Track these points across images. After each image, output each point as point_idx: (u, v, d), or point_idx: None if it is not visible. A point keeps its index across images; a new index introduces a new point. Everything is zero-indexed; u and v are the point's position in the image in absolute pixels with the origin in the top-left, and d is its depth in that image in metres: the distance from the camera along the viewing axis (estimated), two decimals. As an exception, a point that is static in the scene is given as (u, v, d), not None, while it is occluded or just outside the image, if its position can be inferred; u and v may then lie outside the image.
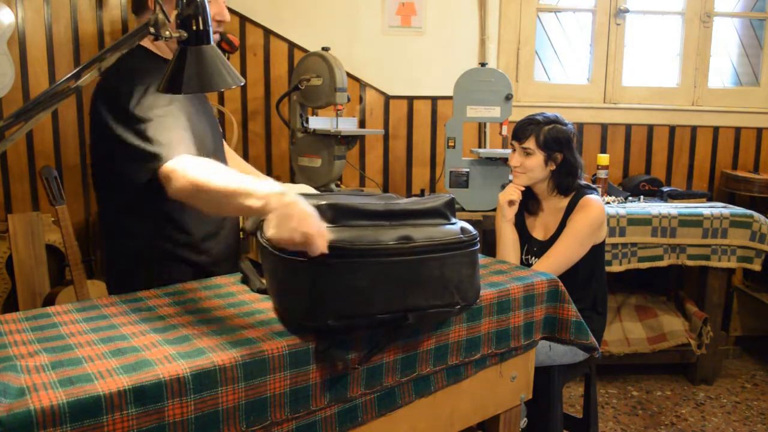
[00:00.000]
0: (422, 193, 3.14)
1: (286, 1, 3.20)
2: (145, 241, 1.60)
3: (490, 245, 2.30)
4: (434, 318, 1.22)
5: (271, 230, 1.10)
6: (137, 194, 1.51)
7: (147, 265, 1.63)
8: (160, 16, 1.15)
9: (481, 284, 1.29)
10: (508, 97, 2.78)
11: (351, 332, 1.15)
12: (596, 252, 2.09)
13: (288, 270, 1.13)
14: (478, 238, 1.27)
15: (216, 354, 1.02)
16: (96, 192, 1.69)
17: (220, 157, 1.76)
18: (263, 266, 1.32)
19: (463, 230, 1.25)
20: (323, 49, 2.81)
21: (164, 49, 1.68)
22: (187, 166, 1.33)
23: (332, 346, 1.12)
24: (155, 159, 1.40)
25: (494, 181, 2.82)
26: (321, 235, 1.07)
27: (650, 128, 3.50)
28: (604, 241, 2.12)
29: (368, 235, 1.12)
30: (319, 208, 1.12)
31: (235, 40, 2.85)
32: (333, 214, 1.13)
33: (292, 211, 1.09)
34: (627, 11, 3.42)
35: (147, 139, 1.43)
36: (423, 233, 1.17)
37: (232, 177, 1.24)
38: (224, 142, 1.96)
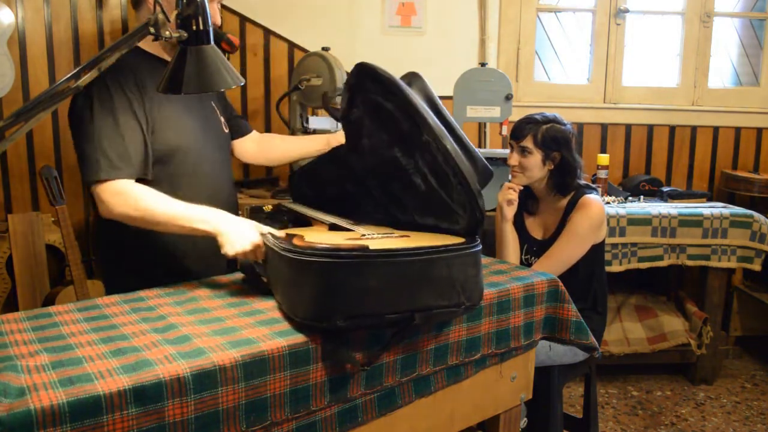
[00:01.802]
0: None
1: (286, 1, 3.20)
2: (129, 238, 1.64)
3: (490, 245, 2.30)
4: (440, 318, 1.22)
5: (226, 247, 1.37)
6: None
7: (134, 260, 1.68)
8: (160, 16, 1.15)
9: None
10: (508, 97, 2.78)
11: (357, 332, 1.16)
12: (596, 252, 2.09)
13: (296, 269, 1.14)
14: (480, 239, 1.27)
15: (216, 354, 1.03)
16: None
17: (215, 156, 1.76)
18: (267, 266, 1.33)
19: None
20: (323, 49, 2.81)
21: (153, 46, 1.67)
22: (136, 193, 1.48)
23: (340, 346, 1.12)
24: (95, 171, 1.48)
25: (494, 181, 2.79)
26: (260, 246, 1.36)
27: (650, 128, 3.50)
28: (603, 240, 2.12)
29: None
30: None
31: (235, 40, 2.84)
32: None
33: (238, 229, 1.39)
34: (627, 11, 3.42)
35: (92, 146, 1.49)
36: None
37: (178, 204, 1.46)
38: (252, 132, 2.01)
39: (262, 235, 1.38)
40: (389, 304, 1.11)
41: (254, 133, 2.04)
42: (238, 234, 1.39)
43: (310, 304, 1.11)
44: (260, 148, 2.02)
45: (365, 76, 1.35)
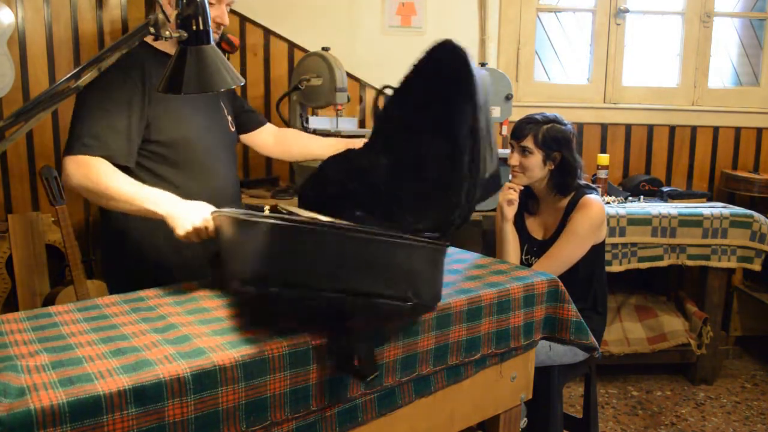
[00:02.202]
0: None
1: (286, 1, 3.20)
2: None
3: (490, 245, 2.30)
4: (382, 310, 1.13)
5: (177, 230, 1.39)
6: None
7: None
8: (160, 16, 1.15)
9: (442, 290, 1.23)
10: (508, 97, 2.78)
11: (294, 307, 1.10)
12: (596, 252, 2.09)
13: (239, 232, 1.12)
14: (445, 245, 1.21)
15: (216, 354, 1.03)
16: None
17: (220, 153, 1.77)
18: (218, 240, 1.34)
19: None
20: (323, 49, 2.81)
21: (161, 43, 1.69)
22: (98, 169, 1.50)
23: (344, 347, 1.11)
24: (69, 145, 1.53)
25: (494, 181, 2.82)
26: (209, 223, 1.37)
27: (650, 128, 3.50)
28: (604, 241, 2.12)
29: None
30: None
31: (235, 40, 2.85)
32: None
33: (187, 209, 1.41)
34: (627, 11, 3.42)
35: (76, 122, 1.55)
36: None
37: (135, 185, 1.49)
38: (268, 125, 2.04)
39: (215, 211, 1.37)
40: (327, 280, 1.06)
41: (270, 126, 2.05)
42: (187, 213, 1.40)
43: (247, 267, 1.08)
44: (277, 141, 2.04)
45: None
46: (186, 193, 1.52)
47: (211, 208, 1.44)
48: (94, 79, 1.50)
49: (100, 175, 1.49)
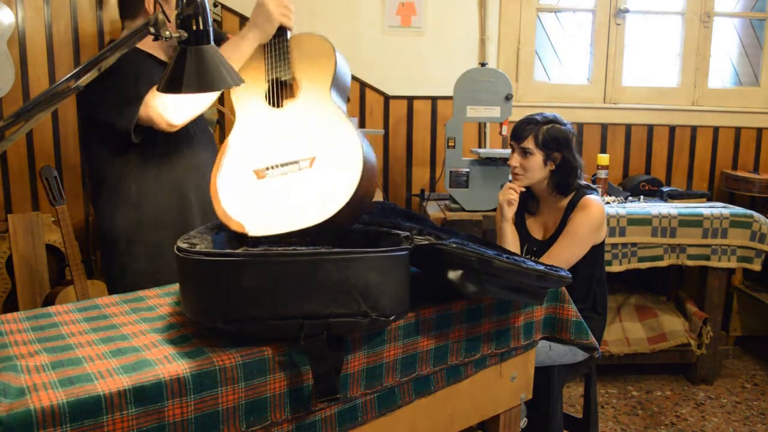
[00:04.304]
0: (422, 193, 3.14)
1: (286, 1, 3.20)
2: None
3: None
4: (341, 328, 1.08)
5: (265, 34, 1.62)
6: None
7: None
8: (160, 16, 1.15)
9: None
10: (508, 97, 2.78)
11: (253, 336, 1.08)
12: (596, 252, 2.09)
13: (184, 270, 1.10)
14: (399, 250, 1.16)
15: (216, 354, 1.02)
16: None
17: (207, 146, 1.86)
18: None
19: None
20: (323, 49, 2.81)
21: (151, 45, 1.70)
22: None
23: (329, 373, 1.08)
24: (134, 103, 1.59)
25: (494, 181, 2.82)
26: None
27: (650, 128, 3.50)
28: (604, 241, 2.12)
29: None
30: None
31: (235, 40, 2.84)
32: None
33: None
34: (627, 11, 3.42)
35: (120, 89, 1.60)
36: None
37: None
38: None
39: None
40: (273, 309, 1.03)
41: None
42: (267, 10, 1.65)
43: (193, 305, 1.08)
44: None
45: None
46: (172, 172, 1.66)
47: None
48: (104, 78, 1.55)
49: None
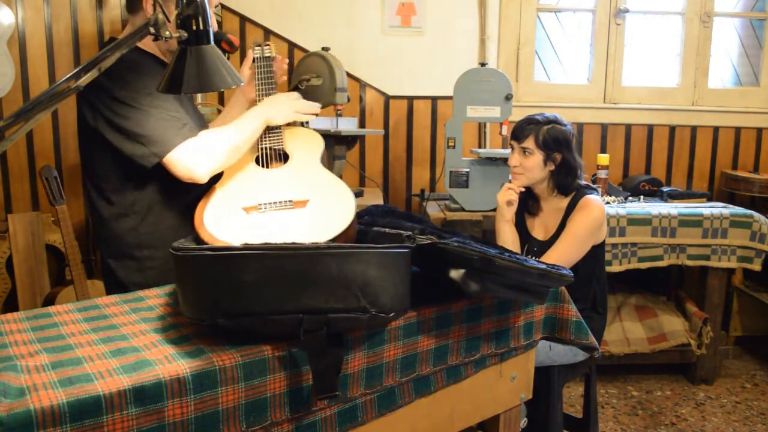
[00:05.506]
0: (422, 193, 3.14)
1: (286, 1, 3.20)
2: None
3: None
4: (340, 324, 1.08)
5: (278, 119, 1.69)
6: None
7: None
8: (160, 16, 1.15)
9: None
10: (508, 97, 2.78)
11: (252, 333, 1.08)
12: (596, 252, 2.09)
13: (179, 267, 1.10)
14: (402, 247, 1.16)
15: (216, 354, 1.02)
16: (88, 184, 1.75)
17: None
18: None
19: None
20: (323, 49, 2.81)
21: (151, 45, 1.70)
22: (203, 143, 1.57)
23: (329, 371, 1.08)
24: (151, 156, 1.54)
25: (494, 181, 2.82)
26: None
27: (650, 128, 3.50)
28: (604, 241, 2.12)
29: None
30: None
31: (235, 40, 2.84)
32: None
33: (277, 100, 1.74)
34: (627, 11, 3.42)
35: (136, 134, 1.55)
36: None
37: (233, 126, 1.63)
38: None
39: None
40: (272, 303, 1.03)
41: None
42: (278, 107, 1.71)
43: (193, 303, 1.07)
44: None
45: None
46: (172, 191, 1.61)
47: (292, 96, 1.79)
48: (123, 83, 1.54)
49: (211, 149, 1.56)
